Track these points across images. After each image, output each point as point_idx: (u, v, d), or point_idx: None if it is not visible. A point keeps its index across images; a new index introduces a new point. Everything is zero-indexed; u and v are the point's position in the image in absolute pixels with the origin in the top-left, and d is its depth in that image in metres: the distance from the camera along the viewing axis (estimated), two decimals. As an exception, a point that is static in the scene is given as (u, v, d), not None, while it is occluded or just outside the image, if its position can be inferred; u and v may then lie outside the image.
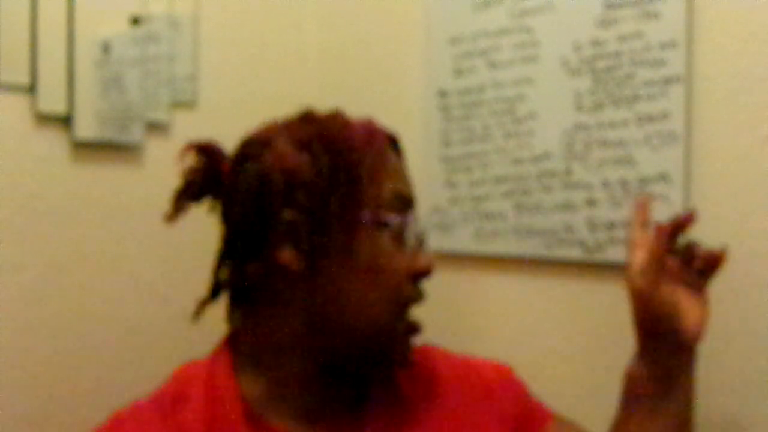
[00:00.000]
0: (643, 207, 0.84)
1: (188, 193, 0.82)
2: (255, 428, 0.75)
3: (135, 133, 1.13)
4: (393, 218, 0.76)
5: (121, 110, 1.11)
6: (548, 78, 1.09)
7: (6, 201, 1.00)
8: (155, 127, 1.16)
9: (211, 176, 0.81)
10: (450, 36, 1.20)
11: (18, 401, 1.00)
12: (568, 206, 1.07)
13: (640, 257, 0.81)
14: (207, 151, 0.82)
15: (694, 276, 0.83)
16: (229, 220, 0.79)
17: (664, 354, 0.83)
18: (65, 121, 1.06)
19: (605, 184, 1.04)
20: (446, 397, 0.84)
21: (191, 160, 0.81)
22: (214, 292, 0.82)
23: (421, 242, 0.79)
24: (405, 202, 0.79)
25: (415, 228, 0.79)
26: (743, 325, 0.94)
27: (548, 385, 1.00)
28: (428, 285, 1.10)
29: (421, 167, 1.24)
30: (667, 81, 0.98)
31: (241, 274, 0.78)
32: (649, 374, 0.84)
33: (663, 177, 0.99)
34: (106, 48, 1.10)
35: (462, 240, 1.19)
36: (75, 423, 1.04)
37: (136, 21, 1.13)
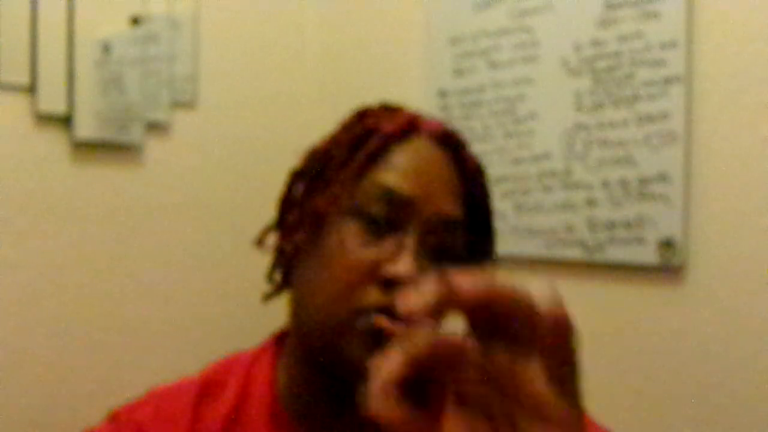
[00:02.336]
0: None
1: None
2: (276, 428, 0.70)
3: (135, 133, 1.13)
4: (366, 210, 0.68)
5: (121, 110, 1.11)
6: (548, 78, 1.09)
7: (6, 201, 1.00)
8: (155, 127, 1.16)
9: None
10: (450, 36, 1.20)
11: (18, 401, 1.00)
12: (568, 206, 1.07)
13: None
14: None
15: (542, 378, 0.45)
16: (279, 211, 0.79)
17: None
18: (65, 121, 1.06)
19: (605, 184, 1.04)
20: None
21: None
22: (274, 289, 0.76)
23: (401, 246, 0.68)
24: (394, 200, 0.69)
25: (405, 232, 0.68)
26: (743, 325, 0.94)
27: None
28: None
29: (421, 167, 1.24)
30: (667, 81, 0.98)
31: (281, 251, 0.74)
32: None
33: (663, 177, 0.99)
34: (106, 48, 1.10)
35: (462, 240, 1.19)
36: (75, 423, 1.04)
37: (136, 21, 1.13)
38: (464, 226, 0.72)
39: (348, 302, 0.65)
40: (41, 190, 1.04)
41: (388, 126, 0.71)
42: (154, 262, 1.18)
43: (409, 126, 0.72)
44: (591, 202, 1.05)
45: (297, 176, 0.73)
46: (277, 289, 0.75)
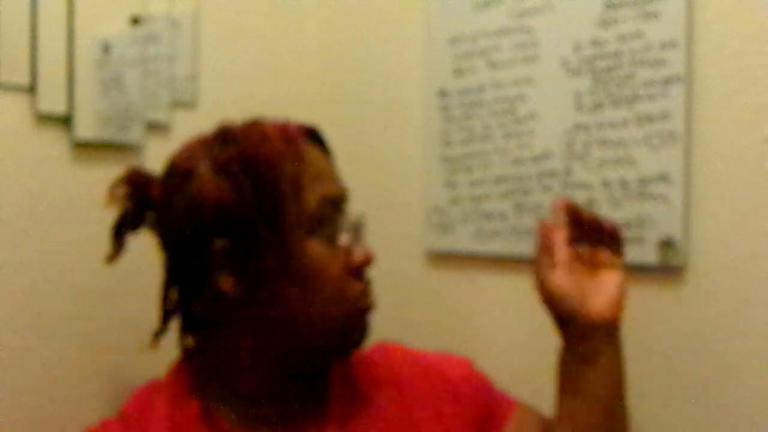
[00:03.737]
0: (562, 210, 0.89)
1: (123, 227, 0.86)
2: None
3: (135, 133, 1.13)
4: (322, 223, 0.79)
5: (121, 110, 1.11)
6: (548, 78, 1.09)
7: (6, 201, 1.00)
8: (155, 127, 1.16)
9: (142, 206, 0.85)
10: (450, 36, 1.20)
11: (18, 401, 1.00)
12: (568, 206, 1.07)
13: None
14: (134, 182, 0.85)
15: (608, 255, 0.88)
16: (167, 251, 0.83)
17: (575, 338, 0.86)
18: (65, 121, 1.06)
19: (605, 184, 1.04)
20: (407, 395, 0.87)
21: (121, 192, 0.85)
22: (164, 321, 0.86)
23: (356, 235, 0.82)
24: (333, 203, 0.81)
25: (347, 224, 0.81)
26: (743, 325, 0.94)
27: (548, 384, 1.00)
28: (429, 285, 1.11)
29: (421, 167, 1.24)
30: (667, 81, 0.98)
31: (186, 306, 0.83)
32: (566, 357, 0.87)
33: (663, 177, 0.99)
34: (106, 48, 1.10)
35: (462, 240, 1.19)
36: (75, 423, 1.04)
37: (136, 21, 1.13)
38: None
39: (343, 298, 0.79)
40: (41, 190, 1.04)
41: (280, 148, 0.78)
42: (154, 262, 1.18)
43: (288, 140, 0.80)
44: (591, 202, 1.05)
45: (208, 237, 0.77)
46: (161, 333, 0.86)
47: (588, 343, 0.85)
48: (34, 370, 1.03)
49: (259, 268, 0.77)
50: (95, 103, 1.08)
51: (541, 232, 0.88)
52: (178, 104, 1.19)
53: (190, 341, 0.85)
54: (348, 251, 0.80)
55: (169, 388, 0.82)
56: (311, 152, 0.81)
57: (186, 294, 0.82)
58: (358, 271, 0.81)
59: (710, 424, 0.97)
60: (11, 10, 1.00)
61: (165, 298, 0.85)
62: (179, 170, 0.80)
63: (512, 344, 1.15)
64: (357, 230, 0.82)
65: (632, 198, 1.01)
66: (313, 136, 0.84)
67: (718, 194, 0.96)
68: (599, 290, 0.85)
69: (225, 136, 0.81)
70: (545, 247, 0.87)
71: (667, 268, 0.99)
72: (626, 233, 1.02)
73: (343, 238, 0.80)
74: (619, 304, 0.86)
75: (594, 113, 1.05)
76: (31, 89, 1.02)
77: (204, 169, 0.78)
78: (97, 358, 1.10)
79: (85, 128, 1.07)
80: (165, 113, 1.17)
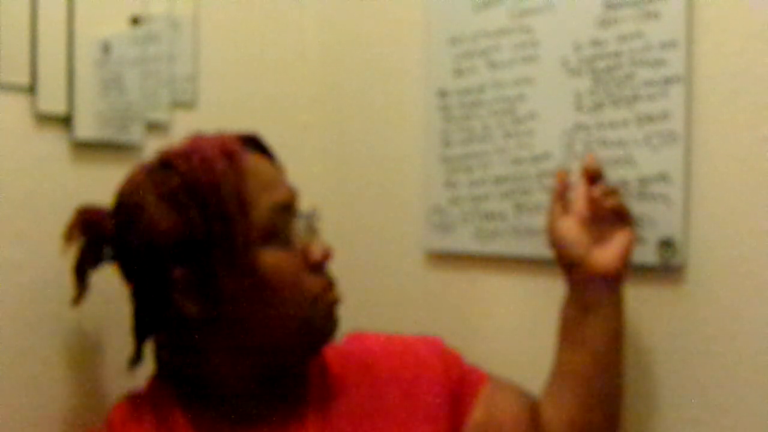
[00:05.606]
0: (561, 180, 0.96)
1: (83, 265, 0.89)
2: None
3: (135, 133, 1.13)
4: (275, 231, 0.81)
5: (121, 110, 1.11)
6: (548, 78, 1.09)
7: (6, 201, 1.00)
8: (155, 127, 1.16)
9: (98, 242, 0.88)
10: (450, 36, 1.20)
11: (18, 402, 1.00)
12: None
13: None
14: (86, 219, 0.88)
15: (617, 215, 0.92)
16: (129, 283, 0.86)
17: (579, 285, 0.91)
18: (65, 121, 1.06)
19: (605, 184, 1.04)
20: (382, 378, 0.90)
21: (75, 232, 0.88)
22: (138, 348, 0.90)
23: (310, 232, 0.84)
24: (283, 209, 0.83)
25: (300, 223, 0.83)
26: (743, 325, 0.94)
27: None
28: (429, 285, 1.11)
29: (421, 167, 1.24)
30: (667, 81, 0.98)
31: (156, 331, 0.87)
32: (568, 305, 0.93)
33: (663, 177, 0.99)
34: (106, 48, 1.10)
35: (462, 240, 1.19)
36: (75, 424, 1.04)
37: (136, 21, 1.13)
38: None
39: (306, 297, 0.81)
40: (41, 190, 1.04)
41: (220, 166, 0.81)
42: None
43: (227, 156, 0.82)
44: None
45: (165, 268, 0.80)
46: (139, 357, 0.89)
47: (590, 293, 0.90)
48: (34, 370, 1.03)
49: (219, 289, 0.80)
50: (95, 103, 1.08)
51: (559, 177, 0.95)
52: (178, 104, 1.19)
53: (166, 356, 0.87)
54: (305, 250, 0.83)
55: (151, 399, 0.84)
56: (254, 162, 0.83)
57: (154, 321, 0.86)
58: (317, 266, 0.83)
59: (710, 424, 0.97)
60: (11, 10, 1.00)
61: (136, 327, 0.89)
62: (128, 205, 0.83)
63: (512, 344, 1.15)
64: (311, 226, 0.84)
65: (632, 198, 1.01)
66: (254, 143, 0.87)
67: (718, 194, 0.96)
68: (606, 243, 0.91)
69: (166, 163, 0.83)
70: (560, 193, 0.94)
71: (667, 268, 0.99)
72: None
73: (298, 239, 0.82)
74: (623, 259, 0.90)
75: (594, 113, 1.05)
76: (31, 89, 1.02)
77: (151, 201, 0.80)
78: (98, 358, 1.10)
79: (85, 128, 1.07)
80: (165, 113, 1.17)
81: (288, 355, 0.84)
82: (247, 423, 0.84)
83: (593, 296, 0.90)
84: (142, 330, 0.89)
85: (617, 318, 0.92)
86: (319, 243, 0.84)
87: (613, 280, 0.91)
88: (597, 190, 0.92)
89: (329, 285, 0.84)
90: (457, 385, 0.93)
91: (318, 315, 0.83)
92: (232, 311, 0.81)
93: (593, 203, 0.92)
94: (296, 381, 0.87)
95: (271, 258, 0.80)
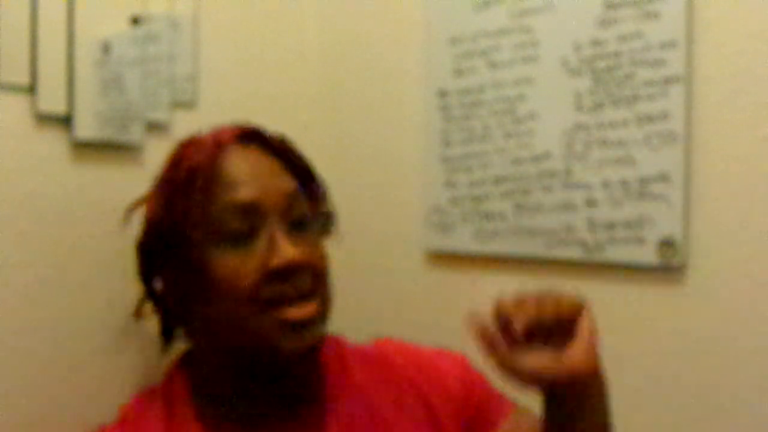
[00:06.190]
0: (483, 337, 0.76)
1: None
2: None
3: (135, 133, 1.13)
4: (230, 232, 0.77)
5: (121, 110, 1.11)
6: (548, 78, 1.09)
7: (6, 201, 1.00)
8: (155, 127, 1.16)
9: None
10: (450, 36, 1.20)
11: (17, 402, 1.00)
12: (568, 206, 1.07)
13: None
14: None
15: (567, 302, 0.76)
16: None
17: (560, 398, 0.78)
18: (65, 121, 1.05)
19: (605, 184, 1.04)
20: (401, 388, 0.87)
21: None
22: (164, 328, 0.92)
23: (278, 238, 0.76)
24: (243, 210, 0.78)
25: (272, 228, 0.77)
26: (743, 325, 0.94)
27: (548, 385, 1.00)
28: (429, 285, 1.11)
29: (421, 167, 1.24)
30: (667, 81, 0.98)
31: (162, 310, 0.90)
32: (551, 418, 0.79)
33: (663, 177, 0.99)
34: (106, 48, 1.10)
35: (462, 240, 1.19)
36: (75, 424, 1.04)
37: (136, 21, 1.13)
38: (303, 187, 0.83)
39: (253, 302, 0.75)
40: (41, 190, 1.04)
41: (199, 157, 0.80)
42: (154, 262, 1.17)
43: (214, 146, 0.81)
44: (591, 202, 1.05)
45: (148, 246, 0.84)
46: (168, 339, 0.89)
47: (574, 396, 0.77)
48: (34, 370, 1.03)
49: (176, 280, 0.81)
50: (95, 103, 1.08)
51: (481, 337, 0.75)
52: (178, 104, 1.19)
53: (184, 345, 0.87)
54: (266, 255, 0.76)
55: (164, 392, 0.83)
56: (238, 157, 0.80)
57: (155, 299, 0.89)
58: (276, 274, 0.75)
59: (710, 424, 0.97)
60: (11, 10, 1.00)
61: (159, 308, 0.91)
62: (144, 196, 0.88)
63: (512, 344, 1.15)
64: (286, 233, 0.77)
65: (632, 198, 1.01)
66: (260, 138, 0.85)
67: (718, 194, 0.96)
68: (571, 342, 0.75)
69: (174, 150, 0.85)
70: (491, 345, 0.75)
71: (667, 268, 0.99)
72: (626, 233, 1.02)
73: (264, 243, 0.76)
74: (594, 347, 0.76)
75: (594, 113, 1.05)
76: (31, 89, 1.02)
77: (150, 189, 0.85)
78: (98, 358, 1.10)
79: (85, 128, 1.07)
80: (165, 113, 1.17)
81: (258, 360, 0.78)
82: (254, 422, 0.82)
83: (578, 398, 0.77)
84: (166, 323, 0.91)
85: (605, 412, 0.79)
86: (287, 250, 0.75)
87: (594, 373, 0.77)
88: (531, 308, 0.74)
89: (292, 298, 0.76)
90: (475, 410, 0.88)
91: (267, 326, 0.75)
92: (195, 310, 0.80)
93: (535, 320, 0.74)
94: (298, 382, 0.84)
95: (220, 259, 0.76)
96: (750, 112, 0.93)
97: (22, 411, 1.01)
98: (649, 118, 1.00)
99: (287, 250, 0.76)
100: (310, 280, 0.78)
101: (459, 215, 1.19)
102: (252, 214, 0.78)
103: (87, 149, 1.08)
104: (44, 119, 1.04)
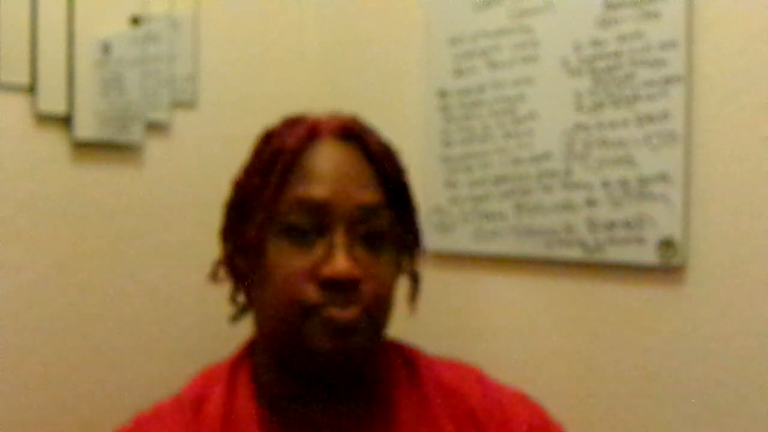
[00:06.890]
0: None
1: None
2: (268, 430, 0.76)
3: (135, 133, 1.13)
4: (293, 227, 0.73)
5: (121, 110, 1.11)
6: (548, 78, 1.09)
7: (6, 201, 1.00)
8: (155, 127, 1.16)
9: None
10: (450, 36, 1.20)
11: (18, 402, 1.00)
12: (568, 206, 1.07)
13: None
14: None
15: None
16: None
17: None
18: (65, 121, 1.06)
19: (605, 184, 1.04)
20: (465, 416, 0.81)
21: None
22: (237, 313, 0.85)
23: (336, 248, 0.73)
24: (310, 207, 0.74)
25: (333, 232, 0.73)
26: (743, 325, 0.94)
27: (548, 385, 1.00)
28: (429, 285, 1.11)
29: (421, 167, 1.24)
30: (667, 81, 0.98)
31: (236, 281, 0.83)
32: None
33: (663, 177, 0.99)
34: (106, 48, 1.10)
35: (462, 240, 1.19)
36: (75, 424, 1.04)
37: (136, 21, 1.13)
38: (388, 205, 0.77)
39: (294, 303, 0.72)
40: (41, 190, 1.04)
41: (290, 140, 0.76)
42: (153, 262, 1.18)
43: (309, 134, 0.77)
44: (591, 202, 1.05)
45: (229, 208, 0.80)
46: (242, 310, 0.82)
47: None
48: (34, 370, 1.03)
49: (242, 254, 0.77)
50: (95, 103, 1.08)
51: None
52: (178, 104, 1.19)
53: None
54: (319, 261, 0.73)
55: (228, 374, 0.80)
56: (328, 151, 0.76)
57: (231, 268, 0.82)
58: (326, 282, 0.72)
59: (710, 424, 0.97)
60: (11, 10, 1.00)
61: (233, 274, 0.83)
62: None
63: (512, 343, 1.15)
64: (347, 244, 0.73)
65: (632, 198, 1.01)
66: (356, 139, 0.78)
67: (718, 194, 0.96)
68: None
69: (280, 122, 0.81)
70: None
71: (667, 268, 0.99)
72: (626, 233, 1.02)
73: (322, 244, 0.73)
74: None
75: (594, 113, 1.05)
76: (31, 89, 1.02)
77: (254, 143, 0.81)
78: (98, 358, 1.10)
79: (85, 128, 1.07)
80: (165, 113, 1.17)
81: (300, 359, 0.75)
82: (304, 424, 0.77)
83: None
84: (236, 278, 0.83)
85: None
86: (341, 263, 0.71)
87: None
88: None
89: (335, 302, 0.72)
90: None
91: (308, 326, 0.72)
92: (254, 289, 0.76)
93: None
94: (355, 382, 0.78)
95: (277, 251, 0.73)
96: (750, 112, 0.93)
97: (23, 411, 1.01)
98: (649, 118, 1.00)
99: (340, 263, 0.72)
100: (360, 296, 0.73)
101: (459, 215, 1.19)
102: (319, 215, 0.73)
103: (87, 149, 1.08)
104: (44, 119, 1.04)
